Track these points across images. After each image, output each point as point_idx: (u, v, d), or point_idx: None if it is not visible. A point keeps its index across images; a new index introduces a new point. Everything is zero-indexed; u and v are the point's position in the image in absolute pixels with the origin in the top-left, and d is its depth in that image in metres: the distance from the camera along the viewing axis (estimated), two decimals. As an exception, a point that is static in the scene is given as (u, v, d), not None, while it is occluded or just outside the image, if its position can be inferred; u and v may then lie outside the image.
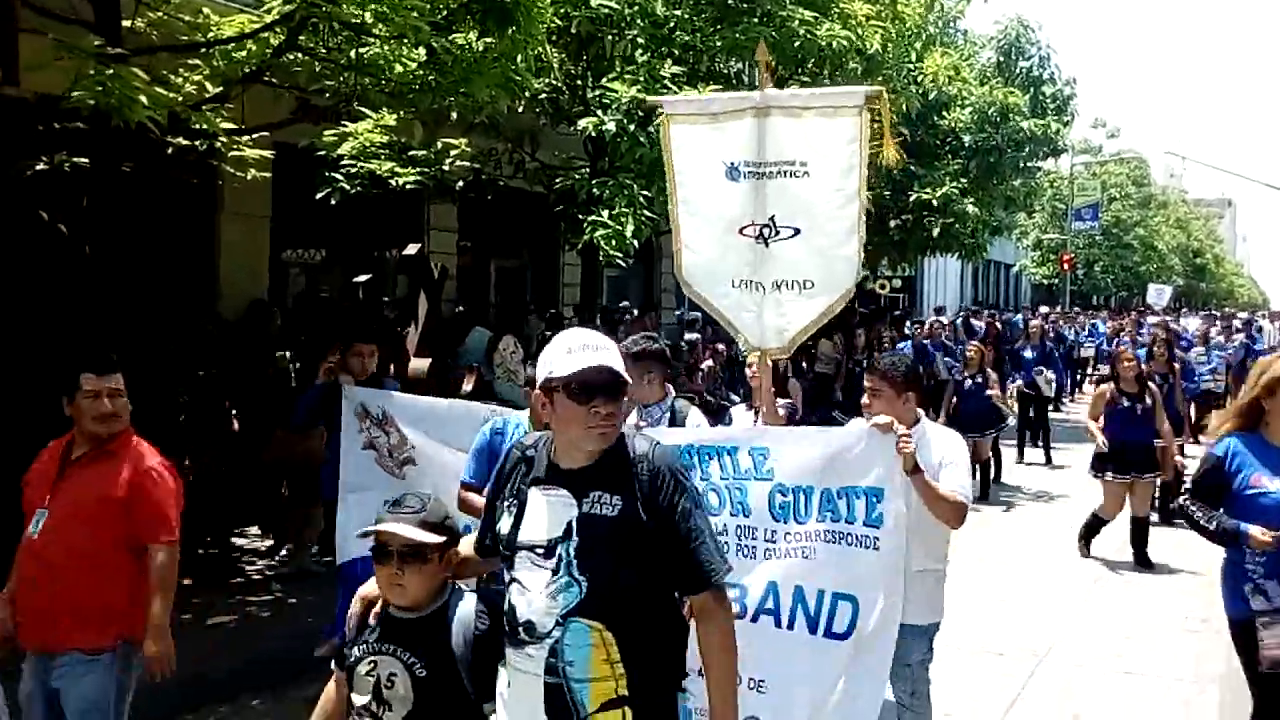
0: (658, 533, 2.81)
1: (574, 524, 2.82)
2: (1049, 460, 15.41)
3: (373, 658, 2.97)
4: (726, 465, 4.38)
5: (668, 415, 5.33)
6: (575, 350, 2.87)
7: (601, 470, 2.87)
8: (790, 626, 4.21)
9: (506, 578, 2.93)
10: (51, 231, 7.06)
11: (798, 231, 4.77)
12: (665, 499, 2.83)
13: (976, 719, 5.94)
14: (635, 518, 2.80)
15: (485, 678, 2.96)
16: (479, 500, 3.94)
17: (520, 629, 2.82)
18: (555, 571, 2.79)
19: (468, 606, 3.02)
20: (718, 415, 11.09)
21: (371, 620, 3.05)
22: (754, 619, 4.24)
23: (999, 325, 23.79)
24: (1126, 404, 9.54)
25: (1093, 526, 9.74)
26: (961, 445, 4.62)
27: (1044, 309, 27.61)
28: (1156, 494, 10.33)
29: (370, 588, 3.11)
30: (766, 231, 4.83)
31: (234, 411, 9.47)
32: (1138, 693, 6.42)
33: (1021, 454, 15.48)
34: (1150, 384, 9.82)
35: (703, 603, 2.92)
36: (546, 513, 2.87)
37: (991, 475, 12.92)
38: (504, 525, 2.95)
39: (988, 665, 6.77)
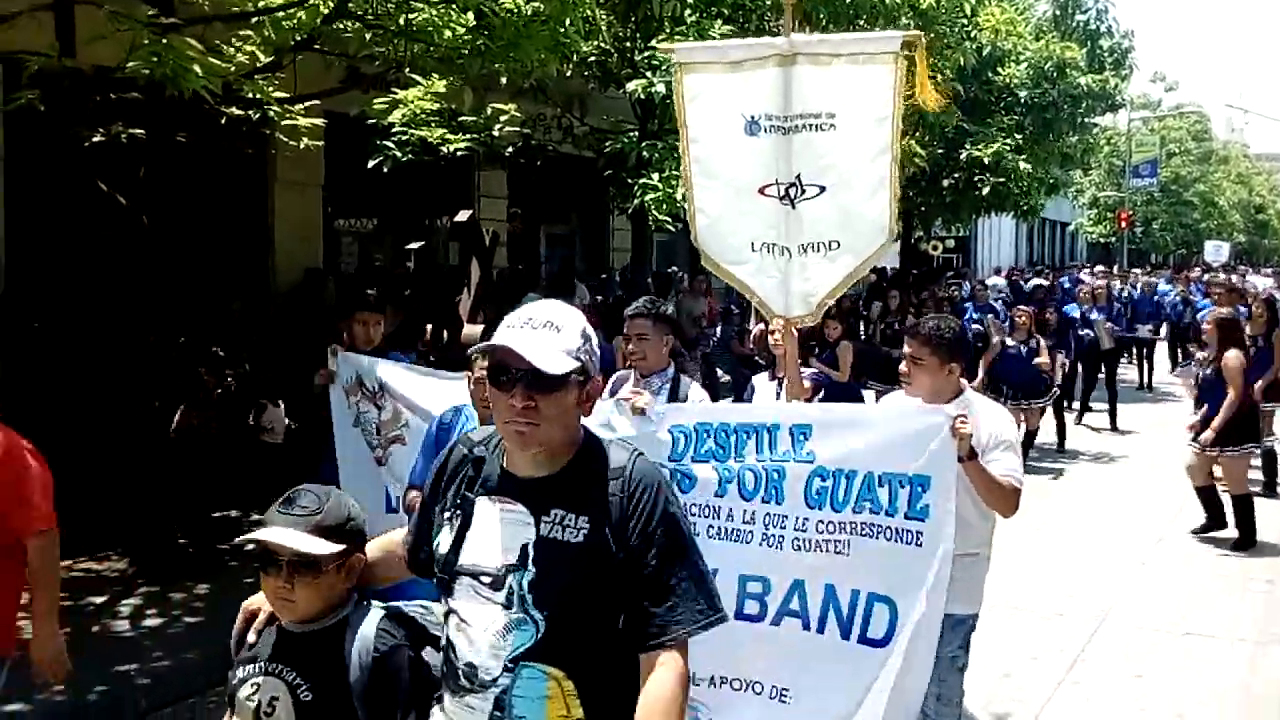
0: (625, 568, 2.27)
1: (530, 548, 2.27)
2: (1114, 425, 14.43)
3: (255, 679, 2.51)
4: (764, 445, 3.94)
5: (668, 387, 4.95)
6: (514, 326, 2.32)
7: (566, 482, 2.32)
8: (820, 630, 3.82)
9: (443, 607, 2.42)
10: (110, 202, 7.14)
11: (823, 189, 4.46)
12: (639, 528, 2.28)
13: (1037, 680, 5.89)
14: (603, 546, 2.26)
15: (381, 709, 2.45)
16: None
17: (460, 673, 2.30)
18: (506, 605, 2.26)
19: (370, 624, 2.52)
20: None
21: (252, 636, 2.58)
22: (776, 621, 3.85)
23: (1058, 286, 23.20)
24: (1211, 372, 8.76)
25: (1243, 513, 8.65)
26: (1011, 423, 4.21)
27: (1100, 268, 27.10)
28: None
29: (257, 599, 2.62)
30: (793, 191, 4.50)
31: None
32: (1200, 654, 6.34)
33: (1083, 414, 14.86)
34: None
35: (651, 662, 2.27)
36: (498, 532, 2.31)
37: (1056, 444, 12.58)
38: (443, 542, 2.38)
39: (1048, 626, 6.71)
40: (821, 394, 5.81)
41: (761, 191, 4.53)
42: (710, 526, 3.97)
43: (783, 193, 4.50)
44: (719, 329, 14.95)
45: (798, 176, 4.46)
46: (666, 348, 4.97)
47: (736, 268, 4.72)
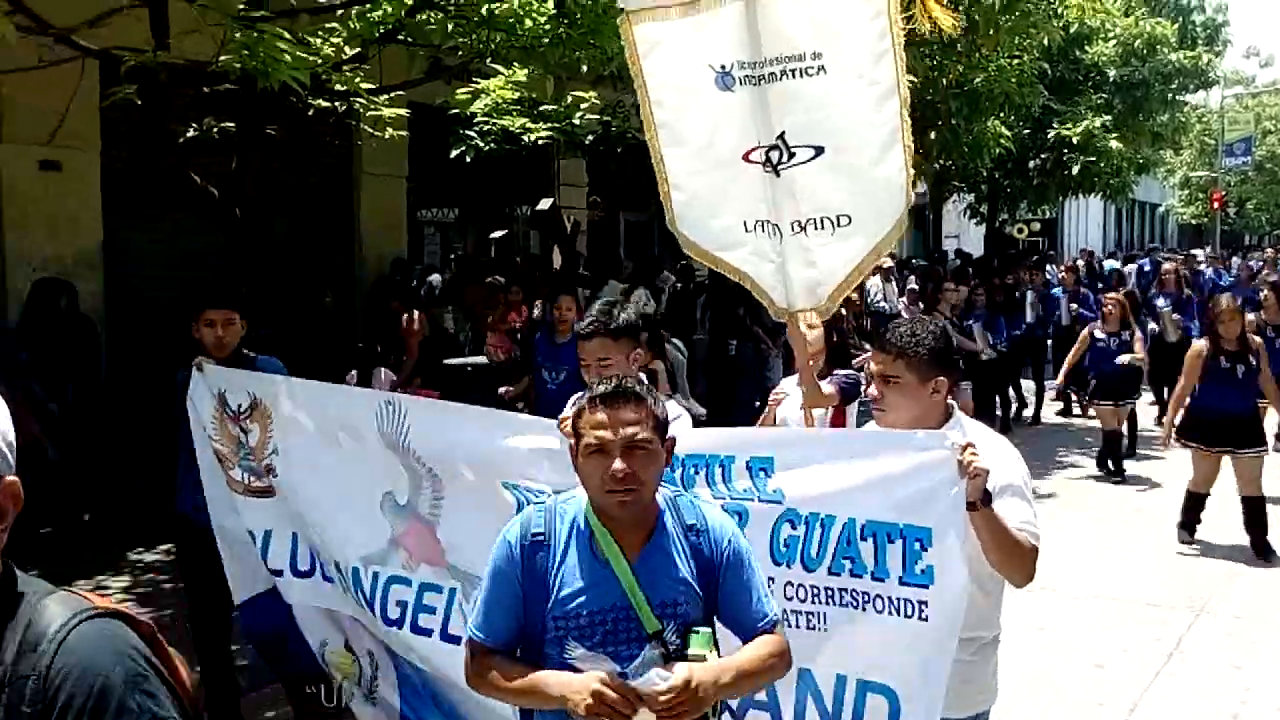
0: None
1: None
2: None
3: None
4: (719, 482, 3.15)
5: None
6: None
7: None
8: None
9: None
10: (203, 194, 7.31)
11: (819, 151, 3.68)
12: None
13: (1132, 671, 5.76)
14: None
15: None
16: (507, 683, 2.52)
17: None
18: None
19: None
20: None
21: None
22: (740, 716, 3.13)
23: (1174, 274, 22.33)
24: (1226, 364, 7.87)
25: (1191, 507, 8.19)
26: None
27: (1196, 252, 26.37)
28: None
29: None
30: (776, 155, 3.74)
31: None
32: (1305, 645, 6.16)
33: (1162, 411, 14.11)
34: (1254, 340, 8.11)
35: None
36: None
37: (1123, 447, 11.07)
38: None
39: (1144, 616, 6.57)
40: (855, 404, 5.01)
41: (746, 158, 3.82)
42: None
43: (764, 157, 3.77)
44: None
45: (781, 137, 3.72)
46: (637, 364, 4.00)
47: (729, 253, 3.98)
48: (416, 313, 9.66)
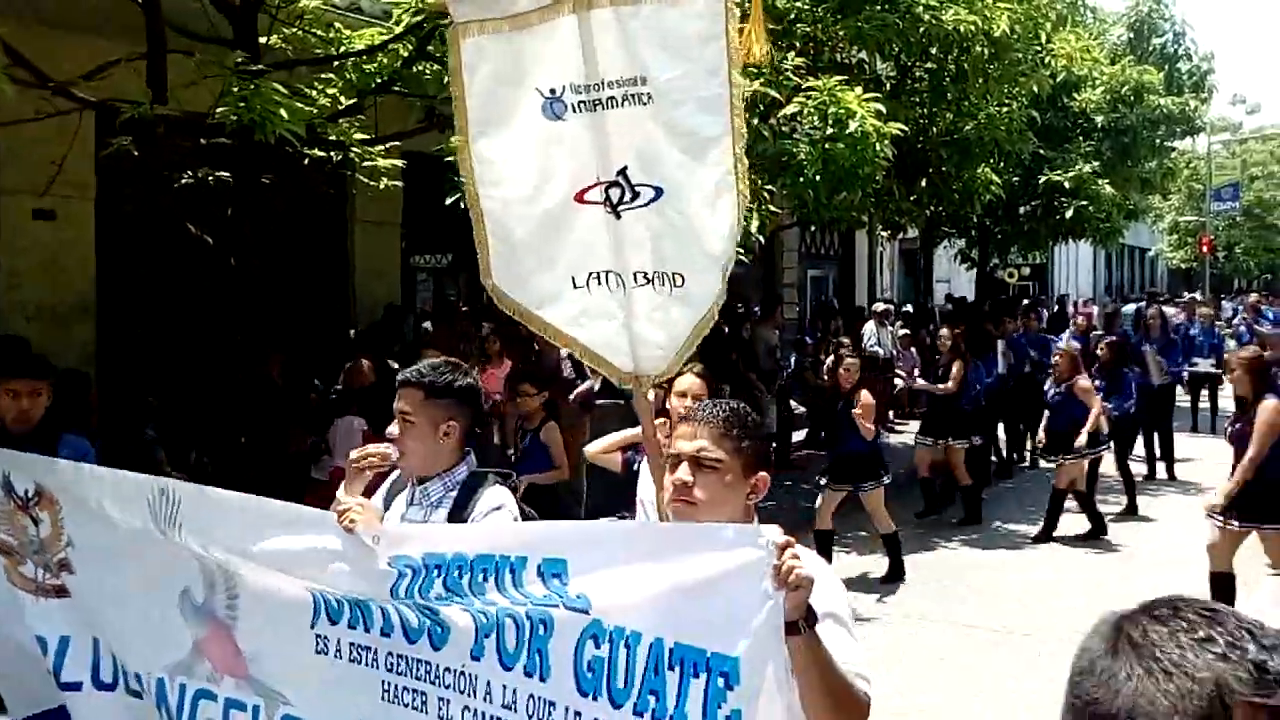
0: None
1: None
2: (1171, 474, 12.94)
3: None
4: (509, 588, 2.60)
5: (452, 498, 3.24)
6: None
7: None
8: None
9: None
10: (198, 243, 7.34)
11: (659, 193, 3.19)
12: None
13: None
14: None
15: None
16: None
17: None
18: None
19: None
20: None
21: None
22: None
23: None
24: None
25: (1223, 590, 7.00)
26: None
27: (1190, 295, 26.49)
28: None
29: None
30: (616, 194, 3.24)
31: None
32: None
33: (1152, 469, 12.98)
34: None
35: None
36: None
37: (1126, 504, 10.96)
38: None
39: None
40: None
41: (581, 198, 3.29)
42: (465, 711, 2.72)
43: (603, 195, 3.26)
44: (792, 359, 14.88)
45: (623, 172, 3.22)
46: (452, 437, 3.26)
47: (549, 311, 3.42)
48: (364, 361, 9.63)
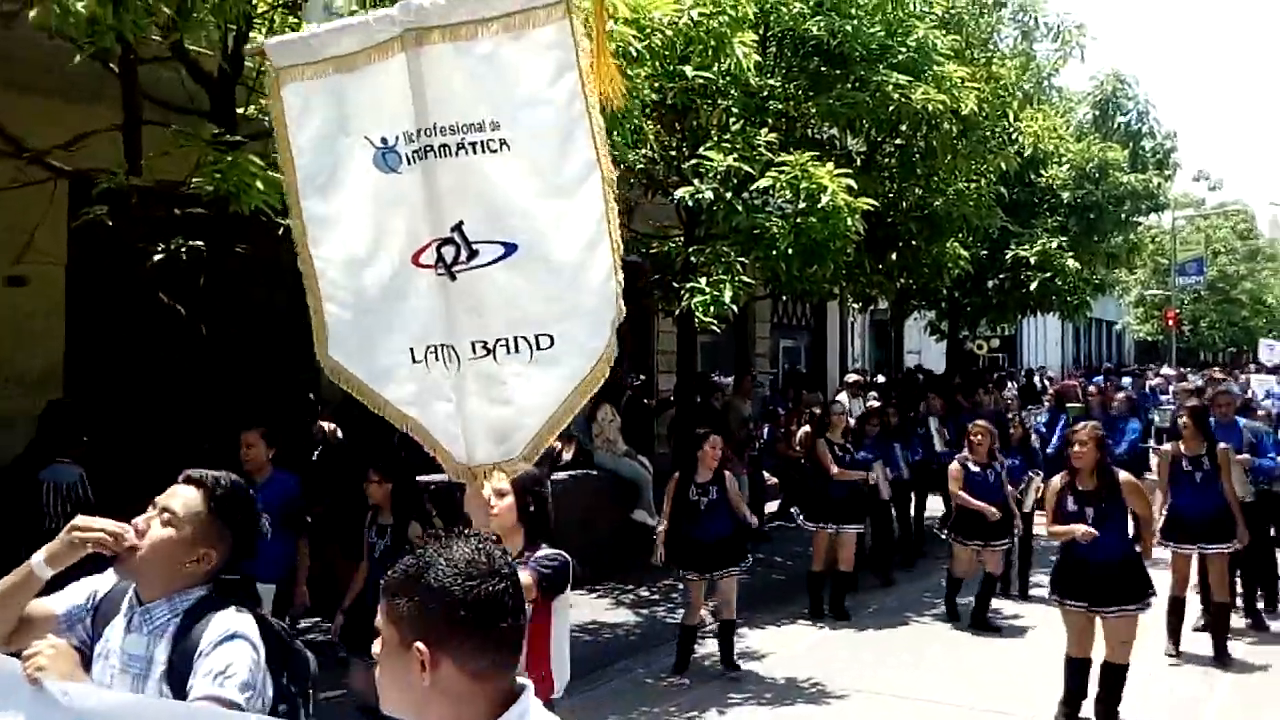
0: None
1: None
2: None
3: None
4: None
5: (175, 624, 2.62)
6: None
7: None
8: None
9: None
10: (169, 313, 7.30)
11: (509, 249, 2.89)
12: None
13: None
14: None
15: None
16: None
17: None
18: None
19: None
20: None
21: None
22: None
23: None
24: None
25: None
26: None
27: (1157, 367, 26.76)
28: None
29: None
30: (450, 253, 2.93)
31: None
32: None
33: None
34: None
35: None
36: None
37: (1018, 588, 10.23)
38: None
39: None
40: (567, 593, 3.97)
41: (417, 260, 2.98)
42: None
43: (436, 257, 2.95)
44: (765, 430, 14.89)
45: (457, 228, 2.91)
46: (203, 566, 2.67)
47: (390, 388, 3.09)
48: (324, 424, 9.66)
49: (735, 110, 10.40)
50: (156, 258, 6.94)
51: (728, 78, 9.56)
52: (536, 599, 3.59)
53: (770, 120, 10.55)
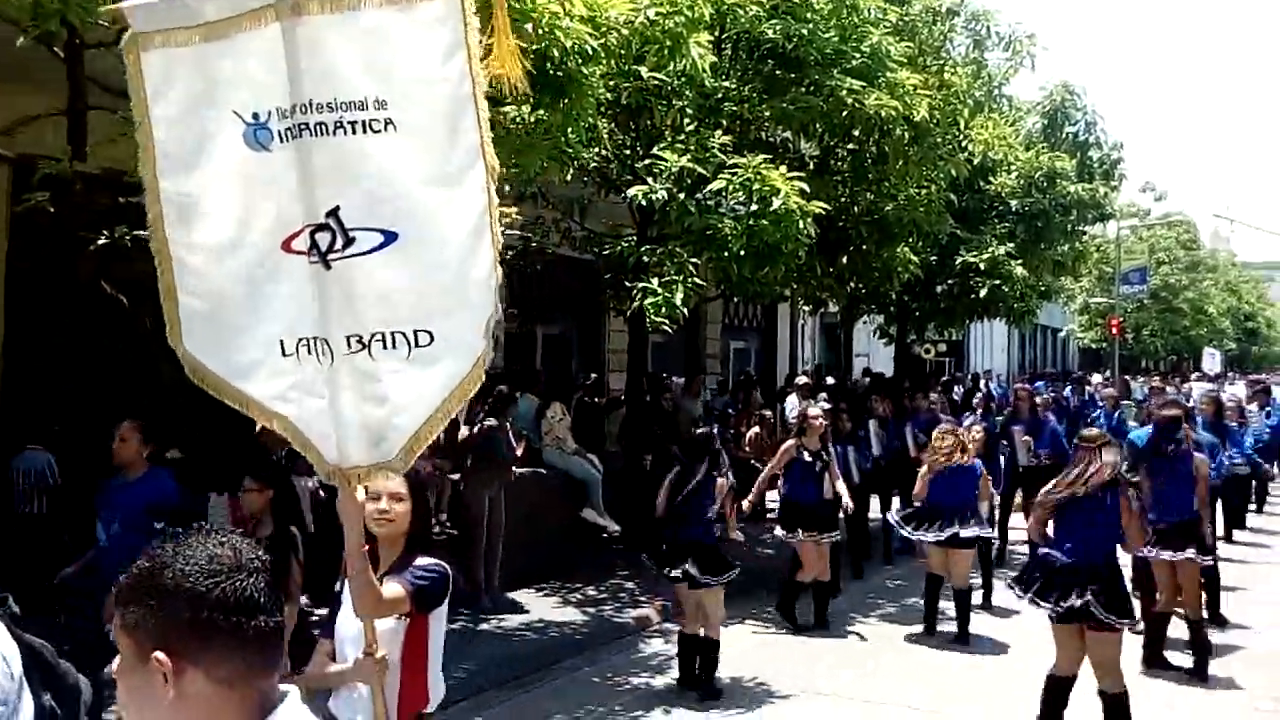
0: None
1: None
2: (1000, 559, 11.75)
3: None
4: None
5: None
6: None
7: None
8: None
9: None
10: (112, 303, 7.17)
11: (390, 238, 2.74)
12: None
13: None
14: None
15: None
16: None
17: None
18: None
19: None
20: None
21: None
22: None
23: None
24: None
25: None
26: None
27: (1093, 373, 27.17)
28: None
29: None
30: (325, 239, 2.75)
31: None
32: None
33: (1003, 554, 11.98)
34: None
35: None
36: None
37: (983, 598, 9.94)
38: None
39: None
40: (444, 609, 3.69)
41: (288, 246, 2.79)
42: None
43: (310, 244, 2.76)
44: (715, 431, 14.91)
45: (333, 214, 2.74)
46: None
47: (254, 384, 2.88)
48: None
49: (690, 111, 10.42)
50: (100, 244, 6.82)
51: (683, 78, 9.59)
52: (413, 611, 3.47)
53: (725, 122, 10.59)
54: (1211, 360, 37.21)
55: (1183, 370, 41.86)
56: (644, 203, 9.91)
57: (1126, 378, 29.22)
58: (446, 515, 9.50)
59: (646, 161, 9.92)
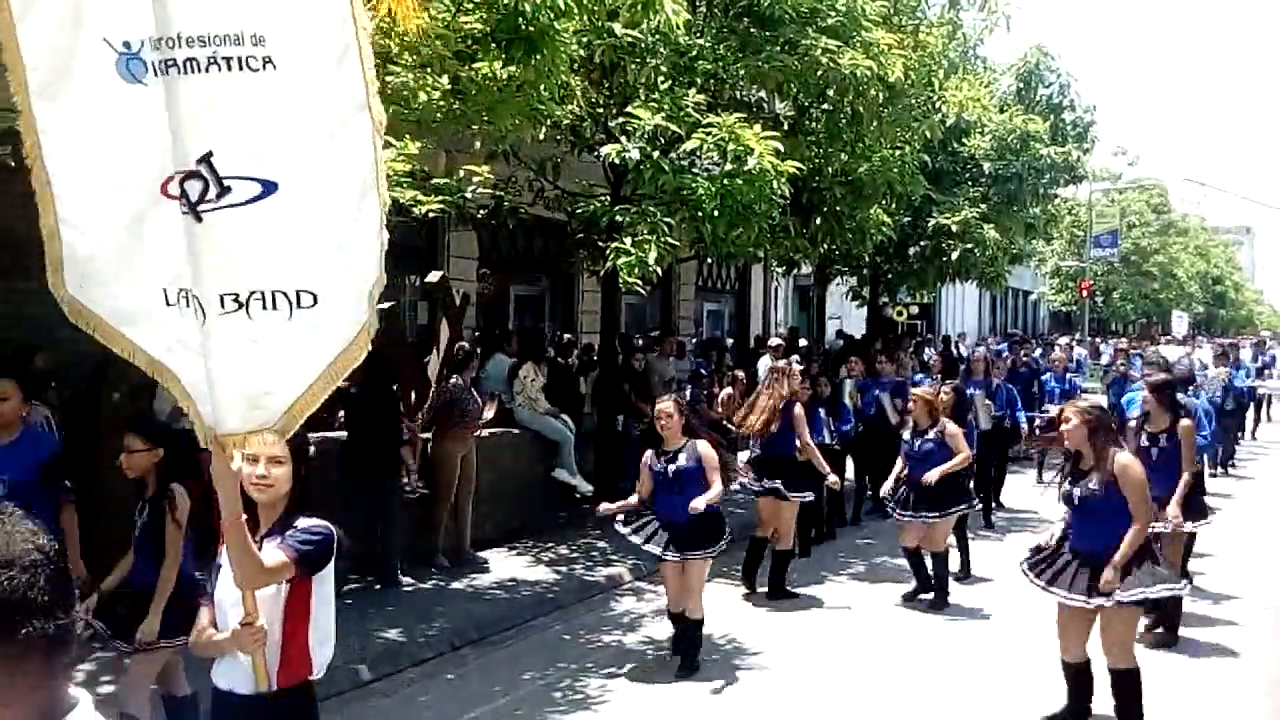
0: None
1: None
2: (988, 522, 11.98)
3: None
4: None
5: None
6: None
7: None
8: None
9: None
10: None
11: (269, 188, 2.53)
12: None
13: None
14: None
15: None
16: None
17: None
18: None
19: None
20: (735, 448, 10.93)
21: None
22: None
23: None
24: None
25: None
26: None
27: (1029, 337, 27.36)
28: None
29: None
30: (198, 189, 2.54)
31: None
32: None
33: (989, 519, 12.06)
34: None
35: None
36: None
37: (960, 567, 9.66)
38: None
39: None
40: (330, 568, 3.52)
41: (165, 190, 2.57)
42: None
43: (180, 189, 2.55)
44: (689, 392, 14.92)
45: (206, 160, 2.53)
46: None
47: (139, 331, 2.67)
48: None
49: (664, 69, 10.34)
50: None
51: (657, 36, 9.50)
52: (295, 578, 3.31)
53: (699, 81, 10.51)
54: (1179, 323, 37.60)
55: (1151, 333, 42.16)
56: (617, 161, 9.85)
57: (1097, 340, 29.51)
58: (418, 475, 9.46)
59: (620, 120, 9.84)
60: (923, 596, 8.92)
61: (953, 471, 8.70)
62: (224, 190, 2.53)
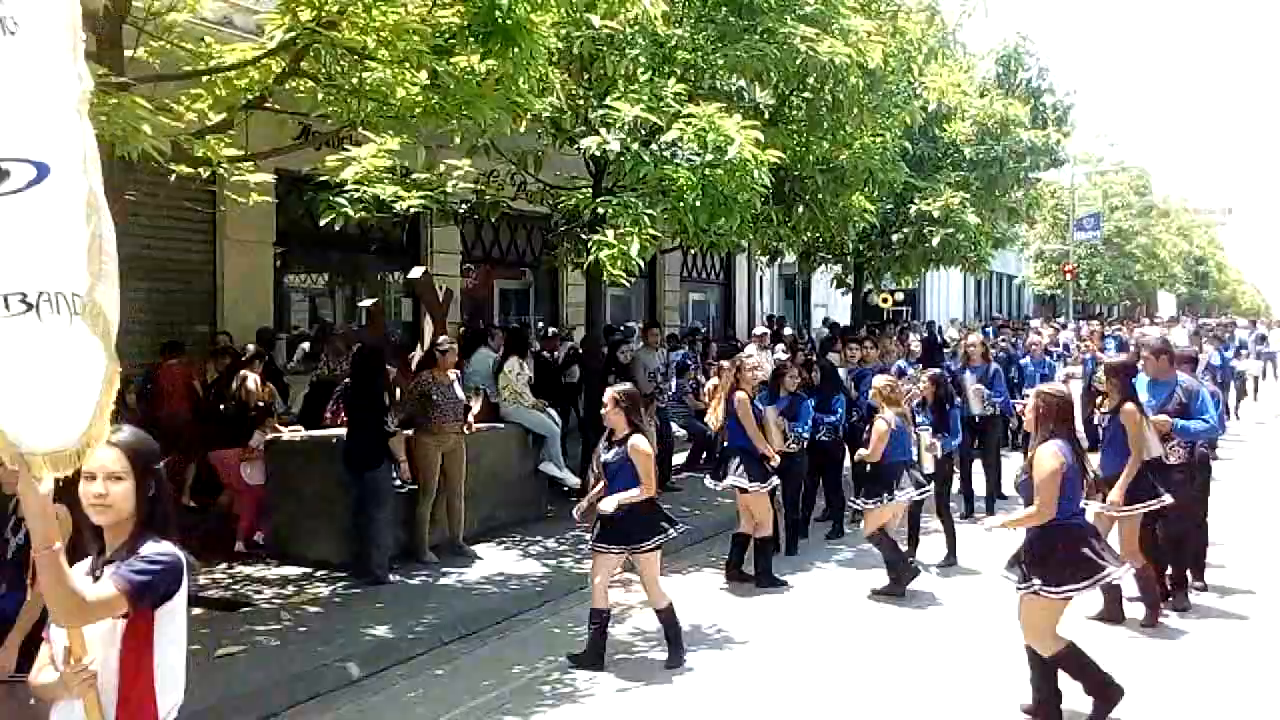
0: None
1: None
2: (991, 509, 11.54)
3: None
4: None
5: None
6: None
7: None
8: None
9: None
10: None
11: (43, 172, 2.27)
12: None
13: None
14: None
15: None
16: None
17: None
18: None
19: None
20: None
21: None
22: None
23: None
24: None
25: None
26: None
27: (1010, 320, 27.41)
28: None
29: None
30: None
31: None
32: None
33: (970, 507, 11.53)
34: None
35: None
36: None
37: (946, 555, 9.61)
38: None
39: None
40: (181, 594, 3.07)
41: None
42: None
43: None
44: (674, 383, 14.92)
45: None
46: None
47: None
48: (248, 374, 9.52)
49: (643, 60, 10.31)
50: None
51: (635, 27, 9.48)
52: (129, 612, 2.86)
53: (678, 71, 10.50)
54: (1167, 303, 37.75)
55: (1135, 315, 42.38)
56: (598, 153, 9.83)
57: (1081, 323, 29.61)
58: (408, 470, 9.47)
59: (600, 112, 9.82)
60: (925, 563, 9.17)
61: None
62: (2, 175, 2.23)
